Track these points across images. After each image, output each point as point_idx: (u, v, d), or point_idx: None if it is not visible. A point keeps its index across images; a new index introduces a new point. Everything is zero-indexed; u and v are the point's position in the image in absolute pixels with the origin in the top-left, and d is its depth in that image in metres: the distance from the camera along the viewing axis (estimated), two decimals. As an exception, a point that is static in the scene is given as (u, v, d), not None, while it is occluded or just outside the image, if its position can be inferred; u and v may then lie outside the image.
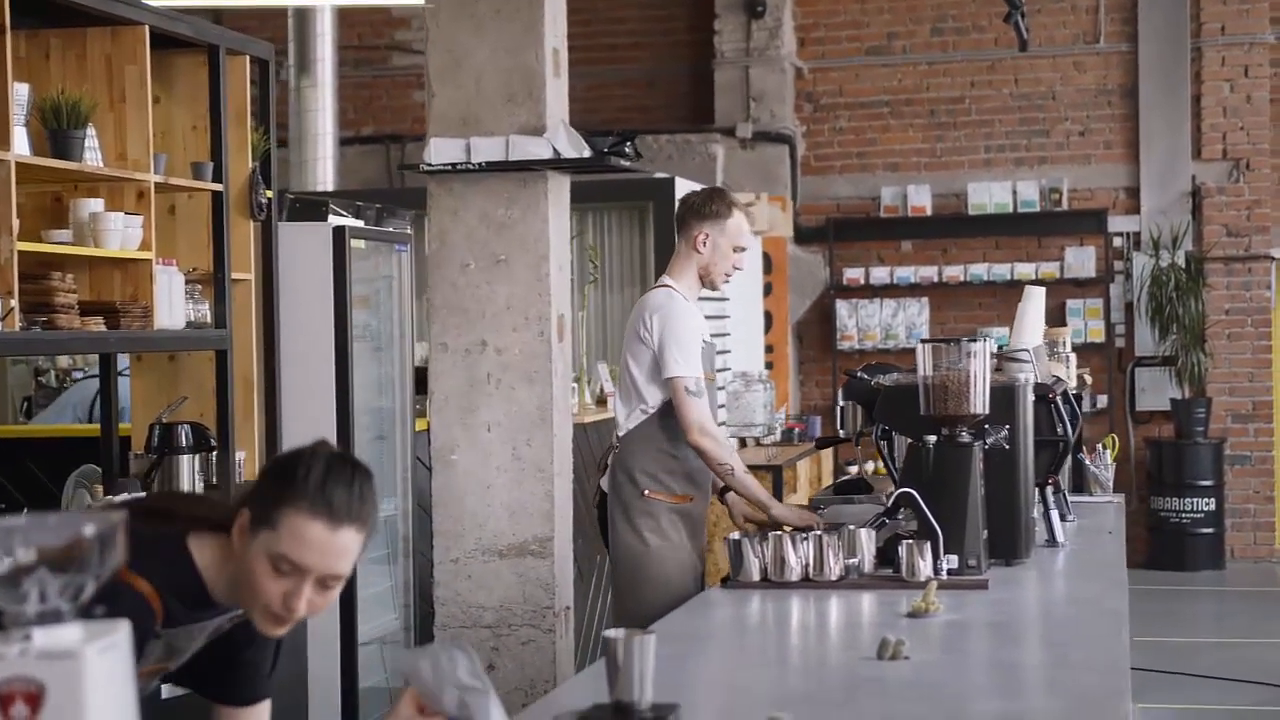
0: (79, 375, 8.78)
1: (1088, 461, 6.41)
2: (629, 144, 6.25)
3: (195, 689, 2.90)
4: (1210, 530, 12.18)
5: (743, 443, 10.14)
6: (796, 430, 10.95)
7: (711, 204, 5.27)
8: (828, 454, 11.01)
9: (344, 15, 12.52)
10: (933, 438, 4.39)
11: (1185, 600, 11.37)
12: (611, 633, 2.74)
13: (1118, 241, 12.63)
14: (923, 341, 4.45)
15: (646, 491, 5.16)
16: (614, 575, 5.31)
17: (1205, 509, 12.14)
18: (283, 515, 2.54)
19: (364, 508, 2.58)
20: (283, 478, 2.57)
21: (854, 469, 12.17)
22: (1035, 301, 5.53)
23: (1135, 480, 12.53)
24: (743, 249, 5.30)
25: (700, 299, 7.80)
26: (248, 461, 5.82)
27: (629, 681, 2.73)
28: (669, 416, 5.15)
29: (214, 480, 5.56)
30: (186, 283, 5.45)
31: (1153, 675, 8.60)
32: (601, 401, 8.04)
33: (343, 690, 6.19)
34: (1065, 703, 2.96)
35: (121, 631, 1.79)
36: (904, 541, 4.22)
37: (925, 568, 4.16)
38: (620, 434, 5.28)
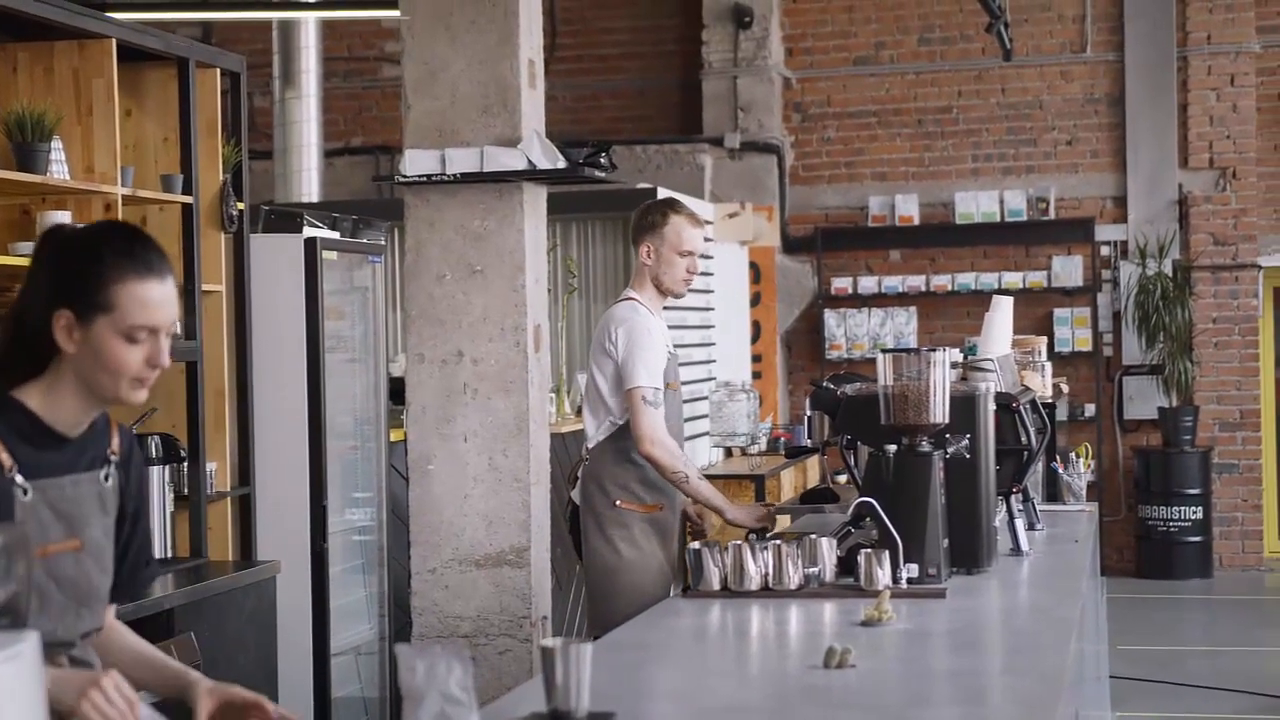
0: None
1: (1061, 471, 6.41)
2: (604, 155, 6.28)
3: None
4: (1198, 539, 12.19)
5: (728, 452, 10.15)
6: (783, 440, 10.95)
7: (648, 215, 5.40)
8: (814, 463, 11.02)
9: (333, 27, 12.56)
10: (893, 447, 4.40)
11: (1172, 609, 11.37)
12: (547, 642, 2.76)
13: (1105, 250, 12.65)
14: (884, 351, 4.47)
15: (618, 502, 5.23)
16: (588, 585, 5.37)
17: (1193, 517, 12.15)
18: (115, 296, 2.65)
19: (164, 256, 2.75)
20: (90, 267, 2.66)
21: (843, 478, 12.18)
22: (1002, 311, 5.54)
23: (1123, 489, 12.54)
24: (688, 253, 5.36)
25: (680, 308, 7.83)
26: (219, 473, 5.84)
27: (565, 690, 2.75)
28: None
29: (185, 492, 5.57)
30: (157, 294, 5.46)
31: (1138, 684, 8.61)
32: (580, 411, 8.06)
33: (315, 701, 6.20)
34: (1001, 709, 2.97)
35: (27, 642, 1.81)
36: (863, 550, 4.23)
37: (884, 577, 4.17)
38: (589, 445, 5.35)
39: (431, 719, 2.55)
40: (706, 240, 6.43)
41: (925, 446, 4.40)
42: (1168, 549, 12.16)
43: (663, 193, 9.78)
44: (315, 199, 10.59)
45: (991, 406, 4.67)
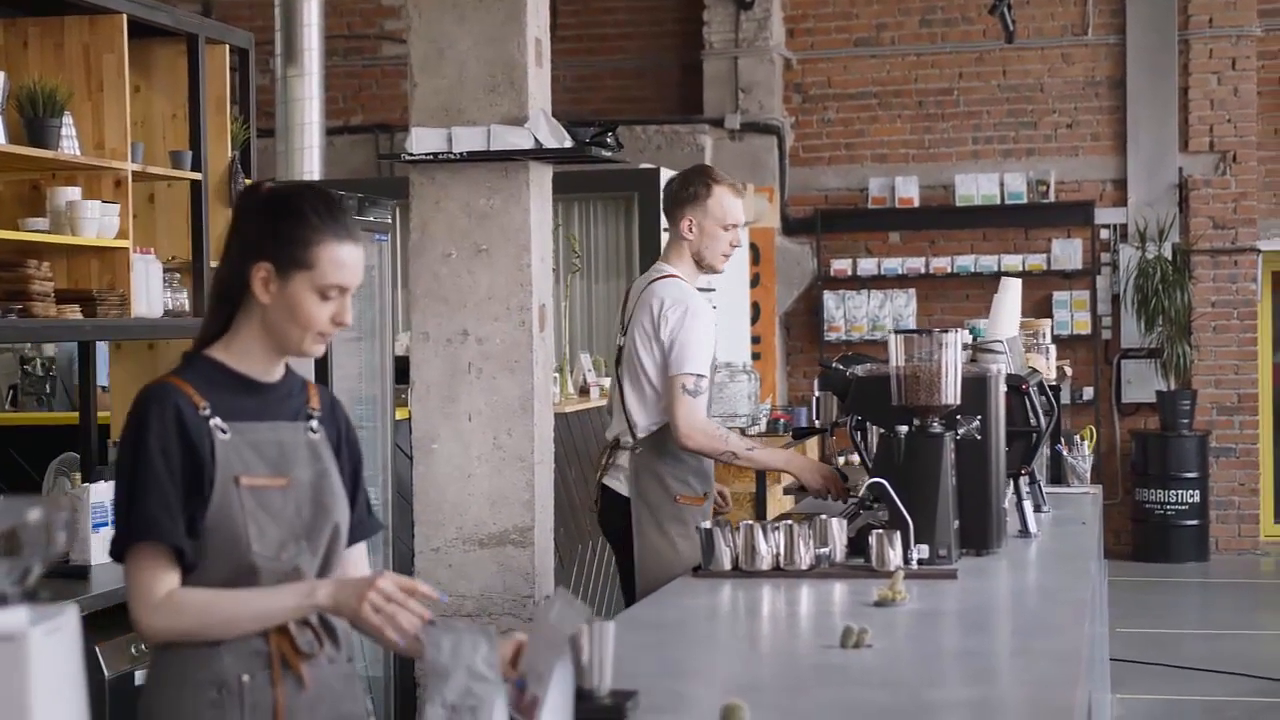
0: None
1: (1065, 453, 6.42)
2: (610, 134, 6.27)
3: None
4: (1195, 522, 12.22)
5: (728, 433, 10.14)
6: (783, 421, 10.97)
7: (689, 186, 5.14)
8: (814, 444, 11.04)
9: (333, 5, 12.50)
10: (904, 428, 4.40)
11: (1169, 592, 11.41)
12: (571, 620, 2.76)
13: (1104, 233, 12.66)
14: (895, 332, 4.47)
15: (678, 497, 5.04)
16: (640, 578, 5.10)
17: (1190, 501, 12.18)
18: (315, 255, 2.80)
19: (357, 223, 2.94)
20: (294, 228, 2.81)
21: (842, 460, 12.19)
22: (1011, 293, 5.54)
23: (1121, 472, 12.56)
24: (732, 225, 5.14)
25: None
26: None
27: (588, 668, 2.75)
28: None
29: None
30: (165, 271, 5.46)
31: (1135, 666, 8.64)
32: (584, 391, 8.06)
33: (321, 678, 6.19)
34: (1018, 689, 2.98)
35: (67, 616, 1.81)
36: (874, 531, 4.24)
37: (895, 557, 4.18)
38: (639, 434, 5.11)
39: (457, 696, 2.56)
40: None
41: (937, 428, 4.41)
42: (1165, 532, 12.19)
43: (670, 175, 9.79)
44: (317, 177, 10.54)
45: (1003, 388, 4.67)
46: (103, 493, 5.03)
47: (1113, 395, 12.65)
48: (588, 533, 7.49)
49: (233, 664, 2.78)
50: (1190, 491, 12.17)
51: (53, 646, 1.77)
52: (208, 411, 2.78)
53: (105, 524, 4.83)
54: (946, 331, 4.42)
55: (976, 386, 4.54)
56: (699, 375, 4.94)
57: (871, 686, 3.02)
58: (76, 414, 5.86)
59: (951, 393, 4.39)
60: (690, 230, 5.12)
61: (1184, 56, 12.55)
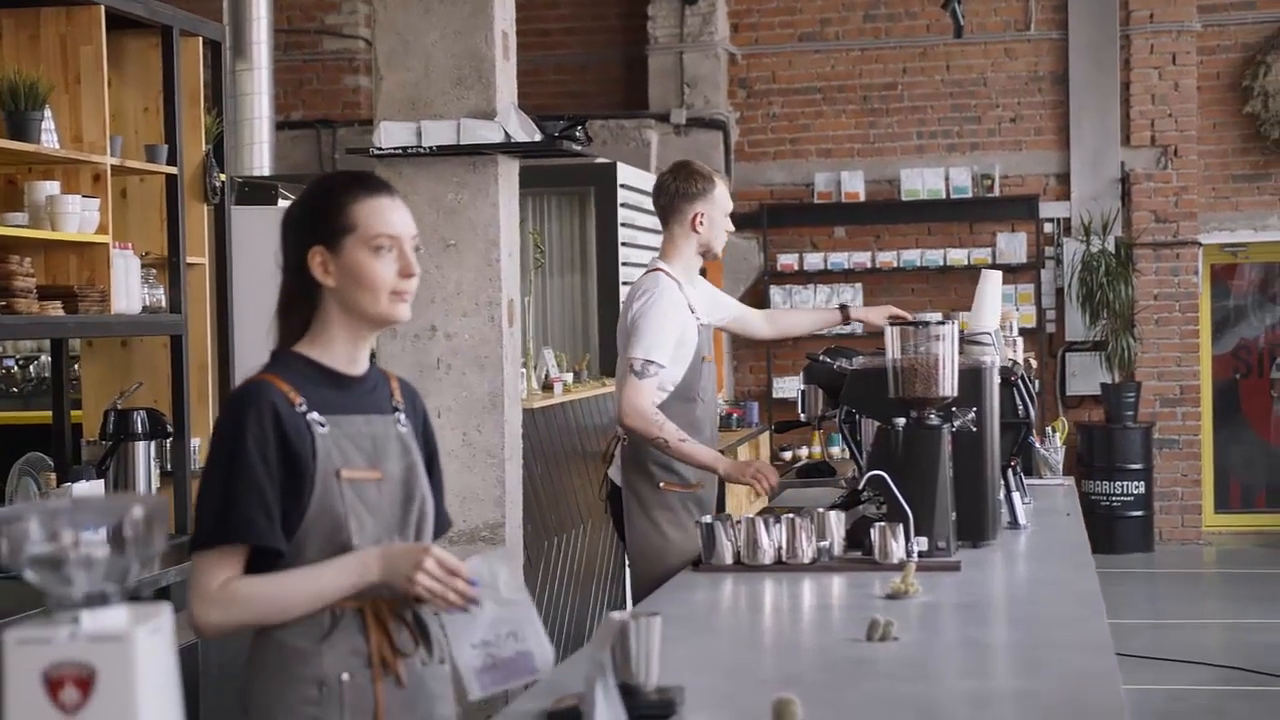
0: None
1: (1038, 445, 6.45)
2: (580, 128, 6.25)
3: None
4: (1139, 513, 12.33)
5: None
6: (735, 416, 10.99)
7: (695, 182, 5.21)
8: (765, 439, 11.07)
9: (274, -1, 12.39)
10: (901, 420, 4.40)
11: (1115, 582, 11.47)
12: (618, 615, 2.73)
13: (1049, 227, 12.75)
14: (891, 323, 4.46)
15: (662, 484, 5.09)
16: (632, 568, 5.21)
17: (1135, 492, 12.29)
18: (353, 215, 2.81)
19: (387, 183, 2.93)
20: (326, 201, 2.84)
21: (788, 455, 12.22)
22: (993, 284, 5.56)
23: (1066, 464, 12.63)
24: (729, 212, 5.32)
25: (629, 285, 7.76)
26: (203, 448, 5.75)
27: (636, 663, 2.73)
28: (676, 405, 5.06)
29: (169, 467, 5.49)
30: (142, 267, 5.38)
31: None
32: (548, 387, 8.03)
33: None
34: (1061, 683, 2.97)
35: (165, 614, 1.77)
36: (876, 524, 4.23)
37: (898, 550, 4.18)
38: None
39: (488, 629, 2.56)
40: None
41: (934, 419, 4.40)
42: (1110, 524, 12.28)
43: (626, 170, 9.77)
44: (268, 172, 10.45)
45: (996, 379, 4.69)
46: (85, 493, 4.95)
47: (1057, 388, 12.74)
48: (554, 529, 7.46)
49: (333, 663, 2.76)
50: (1135, 483, 12.28)
51: (155, 645, 1.74)
52: (304, 406, 2.78)
53: (89, 524, 4.74)
54: (943, 323, 4.42)
55: (971, 378, 4.55)
56: (647, 360, 4.98)
57: (910, 679, 3.01)
58: (45, 413, 5.77)
59: (949, 384, 4.39)
60: (700, 224, 5.21)
61: (1125, 52, 12.66)
